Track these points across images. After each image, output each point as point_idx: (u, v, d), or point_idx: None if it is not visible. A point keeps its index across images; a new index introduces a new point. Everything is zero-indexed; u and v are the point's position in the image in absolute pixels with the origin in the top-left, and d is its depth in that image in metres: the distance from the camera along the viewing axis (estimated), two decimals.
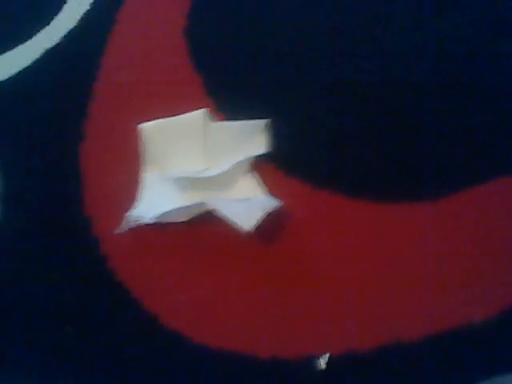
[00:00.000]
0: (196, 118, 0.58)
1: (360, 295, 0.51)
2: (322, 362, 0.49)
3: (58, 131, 0.67)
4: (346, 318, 0.50)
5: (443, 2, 0.65)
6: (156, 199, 0.57)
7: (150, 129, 0.59)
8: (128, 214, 0.57)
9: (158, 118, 0.61)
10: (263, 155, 0.57)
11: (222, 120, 0.60)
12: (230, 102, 0.62)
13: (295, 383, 0.49)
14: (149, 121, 0.61)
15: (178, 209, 0.54)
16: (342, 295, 0.51)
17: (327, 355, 0.49)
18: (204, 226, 0.56)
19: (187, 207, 0.54)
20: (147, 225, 0.56)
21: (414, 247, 0.52)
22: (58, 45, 0.74)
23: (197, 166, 0.57)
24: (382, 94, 0.60)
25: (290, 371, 0.49)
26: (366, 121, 0.59)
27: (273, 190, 0.56)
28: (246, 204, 0.53)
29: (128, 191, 0.60)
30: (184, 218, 0.56)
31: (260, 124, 0.57)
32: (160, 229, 0.57)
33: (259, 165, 0.58)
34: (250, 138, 0.57)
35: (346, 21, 0.66)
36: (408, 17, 0.65)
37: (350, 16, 0.66)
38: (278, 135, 0.58)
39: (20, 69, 0.73)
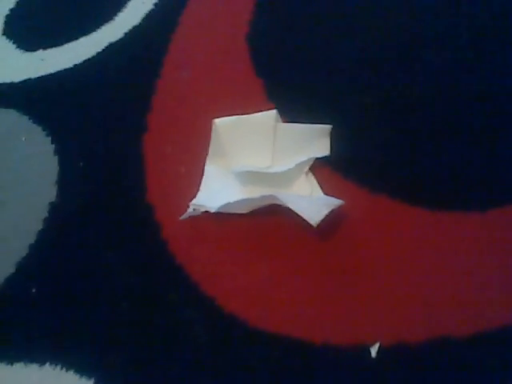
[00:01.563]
0: (267, 117, 0.62)
1: (410, 292, 0.54)
2: (373, 352, 0.52)
3: (122, 121, 0.71)
4: (397, 311, 0.53)
5: None
6: (219, 190, 0.61)
7: (223, 124, 0.63)
8: (191, 202, 0.61)
9: (219, 116, 0.64)
10: (324, 158, 0.61)
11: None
12: (290, 106, 0.66)
13: (346, 370, 0.52)
14: (212, 117, 0.64)
15: (242, 200, 0.58)
16: (394, 291, 0.54)
17: (377, 345, 0.52)
18: (264, 219, 0.59)
19: (252, 199, 0.57)
20: (208, 214, 0.60)
21: (461, 253, 0.56)
22: (120, 40, 0.78)
23: (260, 163, 0.61)
24: (439, 101, 0.65)
25: (341, 358, 0.52)
26: (423, 129, 0.63)
27: (330, 192, 0.60)
28: (312, 200, 0.57)
29: (190, 181, 0.63)
30: (244, 211, 0.59)
31: (324, 128, 0.61)
32: (220, 219, 0.60)
33: (317, 167, 0.62)
34: (314, 140, 0.61)
35: (407, 31, 0.71)
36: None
37: (413, 27, 0.71)
38: (336, 139, 0.62)
39: (84, 59, 0.77)
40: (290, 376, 0.52)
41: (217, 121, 0.63)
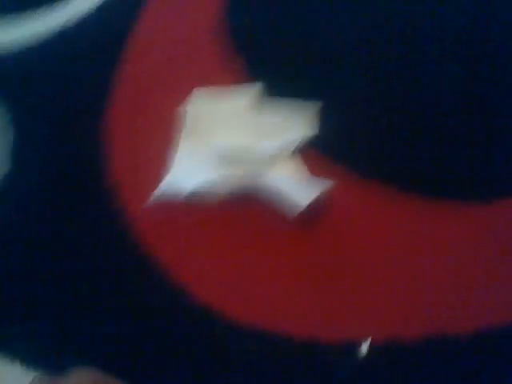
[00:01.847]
0: (249, 91, 0.57)
1: (404, 285, 0.49)
2: (364, 348, 0.47)
3: (86, 95, 0.64)
4: (389, 306, 0.49)
5: None
6: (192, 171, 0.55)
7: (201, 96, 0.57)
8: (160, 184, 0.55)
9: (193, 89, 0.58)
10: (309, 139, 0.56)
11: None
12: (274, 82, 0.60)
13: (331, 368, 0.47)
14: (186, 90, 0.59)
15: (218, 181, 0.52)
16: (386, 284, 0.50)
17: (368, 341, 0.47)
18: (243, 203, 0.53)
19: (230, 180, 0.51)
20: (179, 197, 0.54)
21: (461, 245, 0.51)
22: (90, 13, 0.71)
23: (241, 141, 0.55)
24: (442, 79, 0.60)
25: (327, 356, 0.47)
26: (421, 110, 0.58)
27: (317, 176, 0.54)
28: (298, 181, 0.52)
29: (160, 161, 0.57)
30: (221, 194, 0.53)
31: (309, 106, 0.56)
32: (193, 202, 0.54)
33: (303, 148, 0.56)
34: (300, 118, 0.55)
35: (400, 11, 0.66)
36: None
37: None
38: (326, 120, 0.57)
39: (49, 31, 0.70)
40: (267, 373, 0.47)
41: (194, 93, 0.57)
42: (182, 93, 0.59)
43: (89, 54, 0.68)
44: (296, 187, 0.50)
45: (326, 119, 0.57)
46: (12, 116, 0.63)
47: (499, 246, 0.51)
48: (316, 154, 0.56)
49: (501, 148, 0.56)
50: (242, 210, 0.53)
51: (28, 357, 0.49)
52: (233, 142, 0.55)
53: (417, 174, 0.55)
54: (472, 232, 0.52)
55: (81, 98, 0.64)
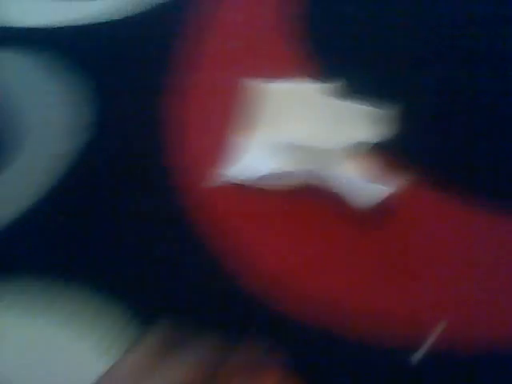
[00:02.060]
0: (317, 89, 0.57)
1: (466, 293, 0.49)
2: (415, 357, 0.46)
3: (165, 74, 0.65)
4: (449, 314, 0.48)
5: None
6: (256, 162, 0.55)
7: (271, 89, 0.57)
8: (220, 170, 0.55)
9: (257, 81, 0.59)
10: (383, 140, 0.56)
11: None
12: (354, 83, 0.60)
13: (381, 373, 0.46)
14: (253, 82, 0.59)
15: (281, 173, 0.52)
16: (446, 290, 0.49)
17: (422, 351, 0.46)
18: (303, 197, 0.53)
19: (294, 174, 0.51)
20: (239, 186, 0.54)
21: None
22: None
23: (304, 138, 0.55)
24: None
25: (376, 359, 0.46)
26: (505, 123, 0.58)
27: (387, 176, 0.53)
28: (362, 183, 0.51)
29: (218, 149, 0.57)
30: (282, 187, 0.53)
31: (387, 108, 0.56)
32: (253, 193, 0.54)
33: (376, 149, 0.56)
34: (374, 119, 0.55)
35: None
36: None
37: None
38: (402, 123, 0.56)
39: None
40: (313, 368, 0.46)
41: (264, 85, 0.57)
42: (256, 81, 0.60)
43: (168, 34, 0.70)
44: (364, 185, 0.49)
45: (402, 122, 0.56)
46: (95, 86, 0.65)
47: None
48: (388, 154, 0.56)
49: None
50: (308, 202, 0.53)
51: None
52: (305, 134, 0.55)
53: (478, 188, 0.54)
54: None
55: (159, 77, 0.65)
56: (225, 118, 0.60)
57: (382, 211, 0.51)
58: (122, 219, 0.55)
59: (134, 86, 0.65)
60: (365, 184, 0.51)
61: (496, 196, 0.54)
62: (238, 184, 0.54)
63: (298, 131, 0.55)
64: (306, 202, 0.53)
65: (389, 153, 0.56)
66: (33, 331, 0.49)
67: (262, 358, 0.36)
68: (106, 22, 0.71)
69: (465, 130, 0.58)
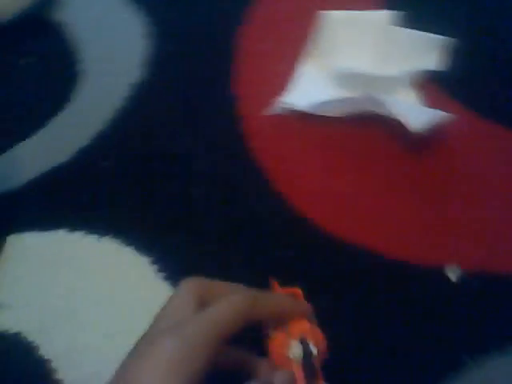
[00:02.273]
0: (380, 17, 0.57)
1: (505, 222, 0.49)
2: (453, 275, 0.47)
3: (221, 11, 0.67)
4: (488, 238, 0.49)
5: None
6: (312, 90, 0.56)
7: (330, 17, 0.57)
8: (279, 99, 0.57)
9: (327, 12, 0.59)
10: (434, 73, 0.56)
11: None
12: (412, 13, 0.60)
13: (421, 290, 0.48)
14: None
15: (336, 101, 0.53)
16: (486, 218, 0.50)
17: (458, 269, 0.47)
18: (357, 125, 0.55)
19: (348, 100, 0.52)
20: (296, 114, 0.56)
21: None
22: None
23: (364, 66, 0.56)
24: None
25: (418, 277, 0.48)
26: None
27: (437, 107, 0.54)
28: (417, 107, 0.52)
29: (283, 79, 0.59)
30: (337, 114, 0.55)
31: (440, 40, 0.55)
32: (309, 119, 0.56)
33: (425, 80, 0.56)
34: (427, 51, 0.55)
35: None
36: None
37: None
38: (454, 57, 0.56)
39: None
40: (359, 287, 0.49)
41: (323, 13, 0.58)
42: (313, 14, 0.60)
43: None
44: (421, 110, 0.50)
45: (455, 56, 0.56)
46: (149, 30, 0.67)
47: None
48: (437, 87, 0.56)
49: None
50: (357, 132, 0.55)
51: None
52: (356, 65, 0.56)
53: None
54: None
55: (216, 16, 0.67)
56: (294, 47, 0.61)
57: (429, 140, 0.52)
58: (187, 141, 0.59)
59: (206, 16, 0.67)
60: (421, 109, 0.51)
61: None
62: (296, 111, 0.56)
63: (358, 58, 0.56)
64: (362, 127, 0.55)
65: (445, 84, 0.55)
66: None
67: (291, 305, 0.36)
68: None
69: None
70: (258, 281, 0.49)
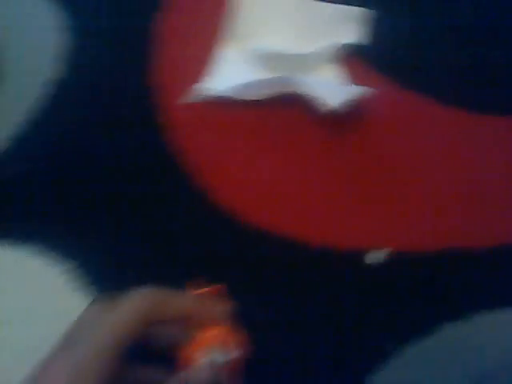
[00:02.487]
0: None
1: (428, 199, 0.48)
2: (373, 258, 0.45)
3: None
4: (409, 219, 0.47)
5: None
6: (230, 74, 0.54)
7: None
8: (196, 85, 0.54)
9: None
10: (354, 46, 0.53)
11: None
12: None
13: (343, 275, 0.46)
14: None
15: (252, 83, 0.50)
16: (409, 196, 0.48)
17: (380, 251, 0.45)
18: (276, 108, 0.52)
19: (266, 81, 0.50)
20: (213, 99, 0.53)
21: (497, 162, 0.48)
22: None
23: (283, 44, 0.53)
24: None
25: (340, 262, 0.46)
26: (471, 23, 0.55)
27: (358, 83, 0.52)
28: (333, 85, 0.49)
29: (198, 63, 0.56)
30: (255, 97, 0.52)
31: (357, 12, 0.53)
32: (226, 105, 0.53)
33: (345, 55, 0.54)
34: (344, 23, 0.53)
35: None
36: None
37: None
38: (373, 29, 0.54)
39: None
40: (281, 275, 0.47)
41: None
42: None
43: None
44: (338, 88, 0.47)
45: (374, 28, 0.54)
46: (68, 23, 0.63)
47: None
48: (359, 61, 0.53)
49: None
50: (279, 115, 0.52)
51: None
52: (275, 44, 0.53)
53: (456, 88, 0.52)
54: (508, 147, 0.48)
55: (131, 3, 0.63)
56: (213, 29, 0.58)
57: (351, 117, 0.50)
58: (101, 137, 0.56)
59: (121, 4, 0.64)
60: (338, 87, 0.49)
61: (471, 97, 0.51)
62: (217, 97, 0.53)
63: (277, 37, 0.54)
64: (283, 109, 0.52)
65: (360, 58, 0.53)
66: None
67: (203, 307, 0.34)
68: None
69: (435, 36, 0.54)
70: (181, 281, 0.47)
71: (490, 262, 0.44)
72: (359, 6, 0.54)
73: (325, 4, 0.54)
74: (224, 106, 0.53)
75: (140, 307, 0.31)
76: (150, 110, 0.55)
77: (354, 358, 0.43)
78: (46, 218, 0.52)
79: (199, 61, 0.56)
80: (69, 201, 0.53)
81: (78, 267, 0.50)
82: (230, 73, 0.54)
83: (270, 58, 0.53)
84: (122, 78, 0.59)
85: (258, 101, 0.52)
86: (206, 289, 0.37)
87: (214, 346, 0.32)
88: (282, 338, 0.45)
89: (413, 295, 0.45)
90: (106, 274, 0.49)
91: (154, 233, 0.50)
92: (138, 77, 0.58)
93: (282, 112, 0.52)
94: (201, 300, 0.35)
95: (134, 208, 0.51)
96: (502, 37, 0.54)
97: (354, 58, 0.53)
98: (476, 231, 0.46)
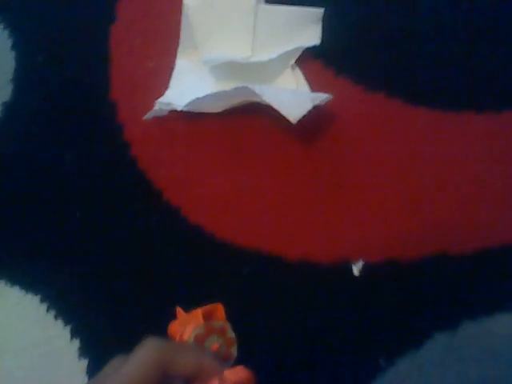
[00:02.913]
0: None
1: (406, 205, 0.46)
2: (355, 269, 0.44)
3: (87, 11, 0.61)
4: (386, 227, 0.46)
5: None
6: (190, 86, 0.52)
7: (195, 5, 0.52)
8: (157, 100, 0.52)
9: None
10: (312, 50, 0.52)
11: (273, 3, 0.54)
12: None
13: (325, 288, 0.45)
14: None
15: (212, 95, 0.49)
16: (386, 203, 0.47)
17: (361, 262, 0.45)
18: (238, 119, 0.51)
19: (225, 93, 0.48)
20: (177, 113, 0.52)
21: (470, 158, 0.47)
22: None
23: (238, 53, 0.52)
24: None
25: (320, 276, 0.45)
26: (430, 20, 0.53)
27: (319, 89, 0.51)
28: (294, 94, 0.48)
29: (158, 77, 0.55)
30: (217, 109, 0.51)
31: (314, 13, 0.51)
32: (190, 119, 0.52)
33: (306, 59, 0.52)
34: (302, 26, 0.51)
35: None
36: None
37: None
38: (332, 30, 0.52)
39: None
40: (260, 292, 0.46)
41: (187, 1, 0.53)
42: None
43: None
44: (288, 100, 0.46)
45: (330, 27, 0.52)
46: (13, 41, 0.61)
47: (508, 161, 0.47)
48: (319, 65, 0.52)
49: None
50: (240, 126, 0.51)
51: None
52: (232, 53, 0.51)
53: (422, 87, 0.50)
54: (482, 143, 0.48)
55: (82, 19, 0.61)
56: (170, 42, 0.56)
57: (321, 125, 0.49)
58: (65, 157, 0.54)
59: (74, 19, 0.61)
60: (300, 94, 0.48)
61: (434, 94, 0.50)
62: (176, 111, 0.52)
63: (233, 46, 0.52)
64: (244, 120, 0.51)
65: (320, 62, 0.52)
66: None
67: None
68: None
69: (397, 33, 0.53)
70: (153, 298, 0.47)
71: (474, 268, 0.44)
72: (315, 5, 0.52)
73: (279, 7, 0.52)
74: (185, 119, 0.52)
75: (155, 358, 0.31)
76: (113, 127, 0.54)
77: (349, 373, 0.42)
78: (14, 246, 0.51)
79: (159, 74, 0.55)
80: (37, 226, 0.52)
81: (51, 295, 0.49)
82: (189, 85, 0.53)
83: (227, 69, 0.51)
84: (83, 96, 0.57)
85: (218, 113, 0.51)
86: (208, 307, 0.38)
87: None
88: (267, 354, 0.44)
89: (400, 305, 0.44)
90: (81, 298, 0.49)
91: (127, 250, 0.49)
92: (99, 93, 0.56)
93: (244, 122, 0.51)
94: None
95: (106, 226, 0.51)
96: (466, 32, 0.53)
97: (315, 62, 0.52)
98: (462, 236, 0.45)
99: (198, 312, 0.37)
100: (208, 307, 0.38)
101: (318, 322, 0.44)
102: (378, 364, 0.42)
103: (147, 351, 0.31)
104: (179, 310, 0.40)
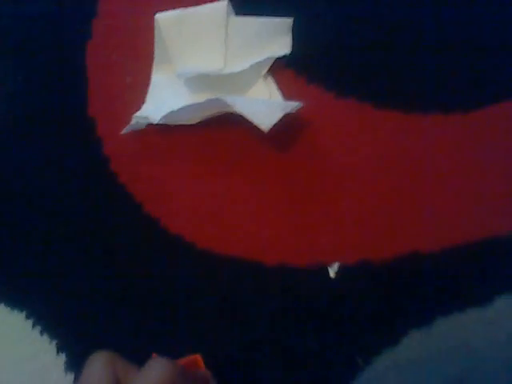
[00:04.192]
0: (216, 10, 0.53)
1: (377, 206, 0.48)
2: (331, 272, 0.46)
3: (64, 28, 0.62)
4: (360, 229, 0.47)
5: None
6: (165, 99, 0.53)
7: (166, 20, 0.53)
8: (134, 114, 0.53)
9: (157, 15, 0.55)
10: (283, 59, 0.53)
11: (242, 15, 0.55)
12: None
13: (304, 292, 0.46)
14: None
15: (189, 107, 0.50)
16: (357, 205, 0.48)
17: (336, 265, 0.46)
18: (213, 130, 0.52)
19: (199, 105, 0.49)
20: (154, 127, 0.53)
21: (440, 159, 0.49)
22: None
23: (211, 65, 0.53)
24: None
25: (299, 279, 0.47)
26: (395, 28, 0.54)
27: (292, 97, 0.52)
28: (265, 103, 0.49)
29: (135, 92, 0.56)
30: (192, 121, 0.52)
31: (284, 23, 0.53)
32: (166, 132, 0.53)
33: (277, 69, 0.53)
34: (273, 37, 0.52)
35: None
36: None
37: None
38: (301, 38, 0.53)
39: None
40: (241, 299, 0.47)
41: (158, 16, 0.54)
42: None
43: None
44: (259, 109, 0.47)
45: (299, 36, 0.53)
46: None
47: (476, 157, 0.48)
48: (291, 73, 0.53)
49: (476, 60, 0.52)
50: (216, 137, 0.52)
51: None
52: (205, 66, 0.52)
53: (391, 91, 0.52)
54: (450, 144, 0.49)
55: (58, 35, 0.62)
56: (145, 56, 0.57)
57: (294, 133, 0.50)
58: (45, 173, 0.55)
59: (50, 36, 0.62)
60: (272, 103, 0.49)
61: (402, 96, 0.51)
62: (153, 125, 0.53)
63: (206, 58, 0.53)
64: (220, 131, 0.52)
65: (290, 70, 0.53)
66: None
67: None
68: None
69: (365, 38, 0.54)
70: (138, 311, 0.48)
71: (445, 265, 0.45)
72: (285, 15, 0.53)
73: (250, 18, 0.53)
74: (163, 133, 0.53)
75: (166, 377, 0.32)
76: (92, 144, 0.55)
77: (328, 375, 0.43)
78: None
79: (135, 88, 0.56)
80: (18, 244, 0.53)
81: (36, 311, 0.50)
82: (164, 99, 0.54)
83: (200, 81, 0.52)
84: (62, 112, 0.58)
85: (197, 124, 0.52)
86: (188, 358, 0.39)
87: None
88: (245, 355, 0.45)
89: (375, 305, 0.45)
90: (66, 314, 0.50)
91: (109, 264, 0.50)
92: (77, 110, 0.57)
93: (220, 133, 0.52)
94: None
95: (88, 242, 0.51)
96: (433, 35, 0.54)
97: (287, 71, 0.53)
98: (432, 235, 0.46)
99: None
100: (186, 359, 0.38)
101: (296, 323, 0.45)
102: (357, 364, 0.43)
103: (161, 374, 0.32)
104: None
